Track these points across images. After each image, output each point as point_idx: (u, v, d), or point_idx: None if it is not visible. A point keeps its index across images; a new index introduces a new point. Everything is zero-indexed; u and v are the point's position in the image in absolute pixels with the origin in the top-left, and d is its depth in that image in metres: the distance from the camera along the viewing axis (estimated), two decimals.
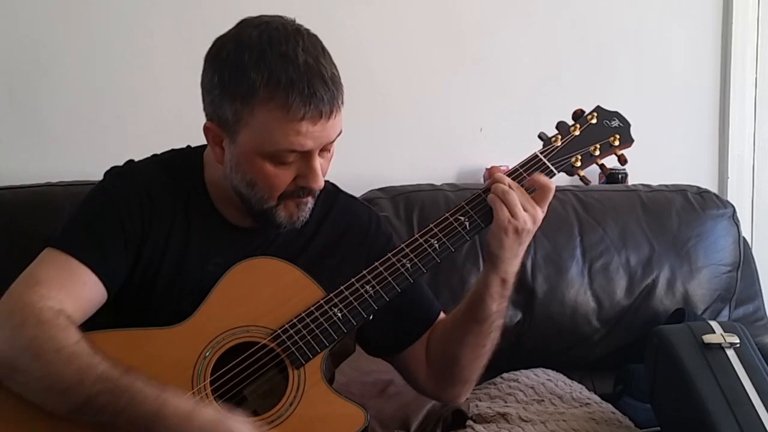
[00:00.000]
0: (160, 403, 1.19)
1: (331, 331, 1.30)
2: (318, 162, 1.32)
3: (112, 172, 1.43)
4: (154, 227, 1.38)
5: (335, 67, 1.31)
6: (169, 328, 1.28)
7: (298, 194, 1.35)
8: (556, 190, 1.38)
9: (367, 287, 1.32)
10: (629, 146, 1.47)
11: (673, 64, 2.54)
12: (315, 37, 1.32)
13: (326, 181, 1.50)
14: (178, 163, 1.44)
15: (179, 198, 1.41)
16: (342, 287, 1.33)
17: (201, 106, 1.37)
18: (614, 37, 2.51)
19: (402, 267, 1.33)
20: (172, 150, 1.49)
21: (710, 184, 2.51)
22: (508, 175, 1.39)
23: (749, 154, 2.60)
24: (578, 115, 1.47)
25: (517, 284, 2.02)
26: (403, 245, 1.36)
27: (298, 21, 1.35)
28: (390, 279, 1.33)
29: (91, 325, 1.31)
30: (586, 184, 1.48)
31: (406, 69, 2.38)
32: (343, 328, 1.31)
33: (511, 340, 2.06)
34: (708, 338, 1.64)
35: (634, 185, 2.31)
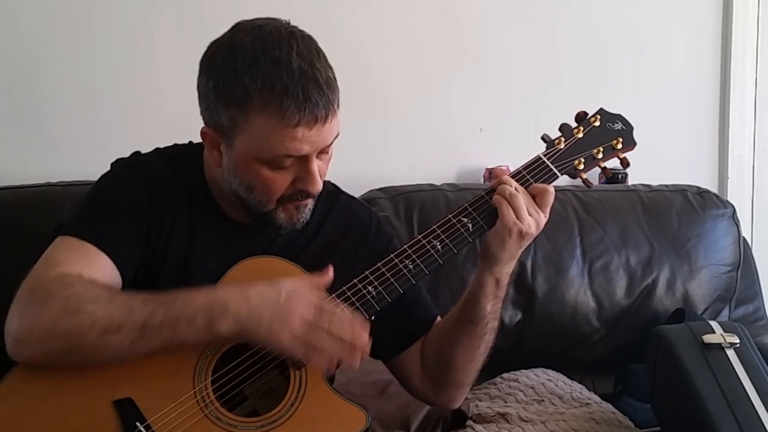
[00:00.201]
0: (211, 291, 1.24)
1: None
2: (315, 165, 1.32)
3: (120, 163, 1.44)
4: (159, 220, 1.38)
5: (331, 69, 1.31)
6: None
7: (297, 197, 1.35)
8: (557, 190, 1.38)
9: (369, 288, 1.32)
10: (632, 149, 1.47)
11: (673, 64, 2.54)
12: (310, 39, 1.31)
13: (327, 182, 1.50)
14: (181, 159, 1.44)
15: (183, 193, 1.41)
16: (344, 287, 1.32)
17: (199, 108, 1.37)
18: (614, 37, 2.51)
19: (404, 268, 1.33)
20: (176, 145, 1.49)
21: (710, 184, 2.51)
22: (512, 178, 1.39)
23: (749, 154, 2.60)
24: (581, 117, 1.46)
25: (517, 284, 2.05)
26: (405, 246, 1.35)
27: (298, 21, 1.35)
28: (392, 280, 1.32)
29: None
30: (589, 186, 1.48)
31: (406, 69, 2.38)
32: None
33: (511, 340, 2.06)
34: (708, 338, 1.64)
35: (634, 185, 2.31)
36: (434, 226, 1.36)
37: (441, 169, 2.38)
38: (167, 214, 1.39)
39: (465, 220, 1.36)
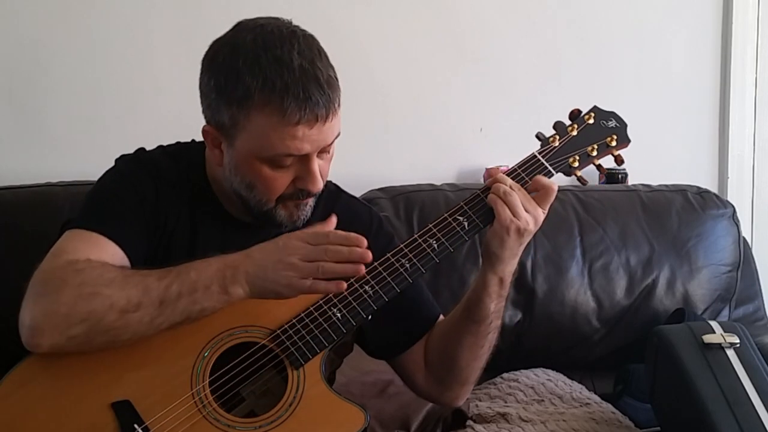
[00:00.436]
0: (220, 258, 1.26)
1: (330, 331, 1.30)
2: (316, 165, 1.32)
3: (124, 158, 1.44)
4: (163, 216, 1.39)
5: (332, 68, 1.31)
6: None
7: (297, 196, 1.35)
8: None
9: (366, 287, 1.32)
10: (626, 146, 1.47)
11: (673, 64, 2.54)
12: (311, 38, 1.32)
13: (328, 181, 1.51)
14: (184, 156, 1.45)
15: (185, 190, 1.42)
16: None
17: (201, 107, 1.37)
18: (614, 37, 2.51)
19: (401, 267, 1.33)
20: (178, 143, 1.50)
21: (710, 184, 2.51)
22: (507, 175, 1.39)
23: (749, 154, 2.60)
24: (575, 115, 1.47)
25: (517, 284, 2.04)
26: (402, 245, 1.35)
27: (298, 21, 1.35)
28: (389, 279, 1.32)
29: None
30: (584, 184, 1.49)
31: (406, 69, 2.38)
32: (343, 329, 1.30)
33: (511, 340, 2.06)
34: (708, 338, 1.64)
35: (634, 185, 2.31)
36: (430, 225, 1.36)
37: (441, 169, 2.38)
38: (170, 210, 1.40)
39: (461, 218, 1.36)
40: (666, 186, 2.28)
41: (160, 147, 1.48)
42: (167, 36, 2.23)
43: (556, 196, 1.38)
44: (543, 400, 1.83)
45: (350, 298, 1.31)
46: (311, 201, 1.39)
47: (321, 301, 1.32)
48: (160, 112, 2.21)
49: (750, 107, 2.58)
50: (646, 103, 2.49)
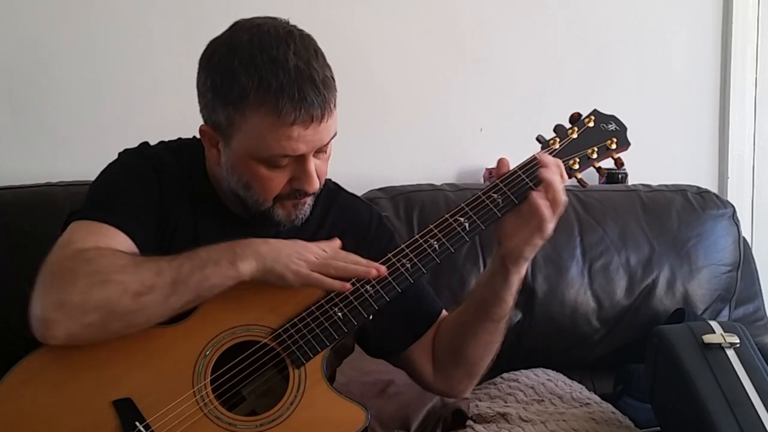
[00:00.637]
0: (228, 242, 1.29)
1: (331, 330, 1.30)
2: (312, 165, 1.32)
3: (128, 151, 1.45)
4: (167, 210, 1.39)
5: (329, 68, 1.31)
6: (170, 326, 1.28)
7: (294, 196, 1.36)
8: None
9: (367, 287, 1.32)
10: (626, 149, 1.47)
11: (673, 64, 2.54)
12: (308, 38, 1.31)
13: (328, 180, 1.51)
14: (185, 153, 1.46)
15: (187, 186, 1.42)
16: None
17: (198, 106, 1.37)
18: (614, 37, 2.51)
19: (402, 267, 1.33)
20: (180, 139, 1.50)
21: (710, 184, 2.51)
22: (506, 178, 1.39)
23: (749, 154, 2.60)
24: (575, 118, 1.47)
25: None
26: (403, 245, 1.36)
27: (298, 21, 1.35)
28: (390, 279, 1.33)
29: None
30: (584, 186, 1.49)
31: (406, 69, 2.38)
32: (344, 328, 1.31)
33: (511, 340, 2.05)
34: (708, 338, 1.64)
35: (634, 185, 2.31)
36: (431, 226, 1.37)
37: (441, 169, 2.38)
38: (173, 205, 1.40)
39: (462, 219, 1.36)
40: (666, 186, 2.28)
41: (162, 142, 1.49)
42: (167, 36, 2.23)
43: None
44: (543, 400, 1.83)
45: (351, 298, 1.31)
46: (310, 200, 1.39)
47: (323, 300, 1.32)
48: (160, 112, 2.21)
49: (750, 107, 2.58)
50: (646, 103, 2.49)
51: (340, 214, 1.52)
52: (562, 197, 1.33)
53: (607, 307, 2.11)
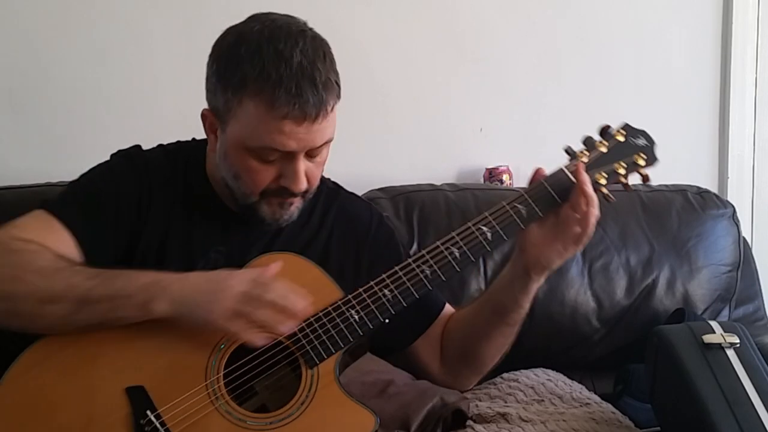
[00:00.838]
0: (155, 273, 1.25)
1: (347, 332, 1.30)
2: (301, 165, 1.32)
3: (119, 153, 1.46)
4: (154, 213, 1.39)
5: (335, 74, 1.31)
6: None
7: (281, 194, 1.35)
8: None
9: (386, 291, 1.32)
10: (653, 165, 1.45)
11: (673, 64, 2.54)
12: (321, 41, 1.32)
13: (328, 179, 1.51)
14: (183, 154, 1.46)
15: (180, 187, 1.43)
16: (360, 289, 1.33)
17: (201, 106, 1.38)
18: (614, 37, 2.50)
19: (421, 273, 1.33)
20: (179, 141, 1.51)
21: (710, 184, 2.51)
22: (532, 189, 1.38)
23: (749, 154, 2.60)
24: (605, 130, 1.44)
25: None
26: (423, 251, 1.36)
27: None
28: (409, 284, 1.33)
29: None
30: (609, 202, 1.44)
31: (406, 69, 2.38)
32: (359, 331, 1.31)
33: (513, 340, 2.05)
34: (708, 338, 1.64)
35: (634, 185, 2.30)
36: (453, 233, 1.36)
37: (441, 169, 2.38)
38: (163, 206, 1.40)
39: (484, 228, 1.36)
40: (666, 186, 2.28)
41: (160, 146, 1.49)
42: (167, 36, 2.23)
43: None
44: (543, 400, 1.83)
45: (369, 301, 1.31)
46: (297, 202, 1.39)
47: (339, 302, 1.32)
48: (160, 112, 2.21)
49: (750, 107, 2.58)
50: (646, 103, 2.49)
51: (341, 213, 1.52)
52: (597, 211, 1.34)
53: (607, 307, 2.11)
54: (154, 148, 1.48)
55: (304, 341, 1.29)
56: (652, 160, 1.45)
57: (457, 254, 1.34)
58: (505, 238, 1.36)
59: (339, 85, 1.32)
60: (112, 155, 1.46)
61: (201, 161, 1.45)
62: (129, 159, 1.44)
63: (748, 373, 1.58)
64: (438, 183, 2.21)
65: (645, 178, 1.45)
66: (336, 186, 1.57)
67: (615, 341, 2.12)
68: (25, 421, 1.21)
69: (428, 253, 1.35)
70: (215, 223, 1.43)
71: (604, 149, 1.42)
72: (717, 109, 2.58)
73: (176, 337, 1.27)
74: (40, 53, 2.18)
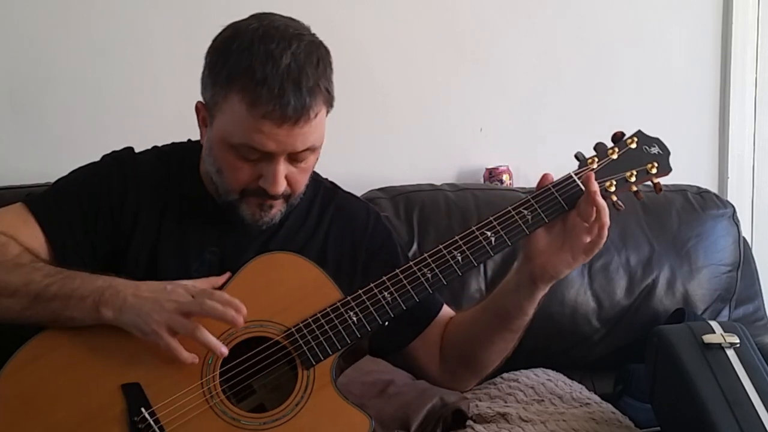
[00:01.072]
0: (111, 278, 1.26)
1: (344, 334, 1.30)
2: (281, 167, 1.32)
3: (110, 155, 1.47)
4: (144, 216, 1.40)
5: (327, 82, 1.30)
6: None
7: (260, 194, 1.35)
8: None
9: (385, 293, 1.32)
10: (666, 175, 1.43)
11: (673, 64, 2.54)
12: (317, 48, 1.31)
13: (325, 179, 1.51)
14: (177, 156, 1.47)
15: (173, 189, 1.43)
16: (360, 291, 1.33)
17: None
18: (614, 37, 2.50)
19: (422, 276, 1.33)
20: (174, 143, 1.51)
21: (710, 184, 2.51)
22: (539, 195, 1.37)
23: (749, 154, 2.60)
24: (618, 137, 1.43)
25: None
26: (426, 255, 1.35)
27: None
28: (409, 287, 1.32)
29: None
30: (619, 210, 1.40)
31: (406, 69, 2.38)
32: (357, 333, 1.30)
33: (515, 345, 2.05)
34: (708, 338, 1.64)
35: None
36: (456, 237, 1.35)
37: (441, 169, 2.38)
38: (153, 208, 1.41)
39: (488, 233, 1.35)
40: (666, 186, 2.26)
41: (155, 147, 1.49)
42: (167, 36, 2.23)
43: None
44: (543, 400, 1.83)
45: (368, 303, 1.31)
46: (279, 206, 1.38)
47: (338, 303, 1.32)
48: (160, 112, 2.21)
49: (750, 107, 2.58)
50: (646, 103, 2.49)
51: (338, 213, 1.52)
52: (608, 221, 1.32)
53: (607, 307, 2.11)
54: (146, 151, 1.48)
55: (301, 341, 1.29)
56: (665, 169, 1.43)
57: (460, 258, 1.33)
58: (509, 243, 1.34)
59: (330, 93, 1.31)
60: (103, 156, 1.47)
61: (195, 162, 1.45)
62: (118, 162, 1.44)
63: (748, 373, 1.58)
64: (438, 183, 2.21)
65: (657, 188, 1.43)
66: (333, 186, 1.56)
67: (615, 341, 2.12)
68: (21, 417, 1.22)
69: (430, 256, 1.34)
70: (209, 224, 1.42)
71: (615, 156, 1.40)
72: (717, 109, 2.58)
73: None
74: (40, 53, 2.18)
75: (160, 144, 1.53)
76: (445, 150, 2.42)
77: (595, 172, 1.38)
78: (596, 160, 1.40)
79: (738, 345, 1.63)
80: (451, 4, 2.41)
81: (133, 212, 1.40)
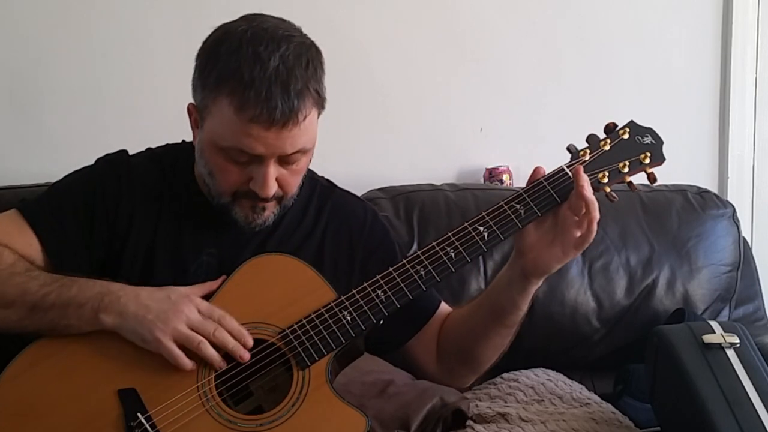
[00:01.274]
0: (108, 284, 1.26)
1: (339, 334, 1.30)
2: (270, 170, 1.31)
3: (104, 158, 1.47)
4: (138, 219, 1.40)
5: (316, 83, 1.29)
6: None
7: (251, 197, 1.35)
8: None
9: (379, 292, 1.32)
10: (660, 164, 1.42)
11: (673, 64, 2.54)
12: (308, 49, 1.30)
13: (322, 178, 1.51)
14: (171, 157, 1.47)
15: (168, 190, 1.43)
16: (353, 290, 1.32)
17: None
18: (614, 37, 2.50)
19: (416, 274, 1.33)
20: (167, 144, 1.50)
21: (710, 184, 2.51)
22: (531, 189, 1.36)
23: (749, 154, 2.60)
24: (610, 129, 1.42)
25: None
26: (419, 252, 1.35)
27: (298, 21, 1.35)
28: (402, 285, 1.32)
29: None
30: (611, 201, 1.41)
31: (406, 69, 2.38)
32: (352, 332, 1.30)
33: (511, 339, 2.05)
34: (708, 338, 1.64)
35: (636, 185, 2.30)
36: (449, 233, 1.35)
37: (441, 169, 2.38)
38: (148, 211, 1.41)
39: (481, 228, 1.34)
40: (666, 186, 2.28)
41: (149, 149, 1.49)
42: (167, 36, 2.23)
43: None
44: (543, 400, 1.83)
45: (362, 302, 1.31)
46: (272, 208, 1.38)
47: (332, 303, 1.32)
48: (160, 112, 2.20)
49: (750, 107, 2.58)
50: (646, 103, 2.49)
51: (335, 211, 1.51)
52: (597, 215, 1.32)
53: (607, 307, 2.11)
54: (140, 153, 1.48)
55: (295, 342, 1.29)
56: (658, 158, 1.42)
57: (453, 254, 1.33)
58: (501, 238, 1.34)
59: (320, 95, 1.30)
60: (97, 160, 1.46)
61: (190, 163, 1.44)
62: (112, 165, 1.44)
63: (748, 373, 1.58)
64: (438, 183, 2.21)
65: (651, 178, 1.42)
66: (330, 184, 1.56)
67: (615, 341, 2.12)
68: (19, 424, 1.22)
69: (423, 253, 1.34)
70: (205, 226, 1.42)
71: (607, 147, 1.40)
72: (717, 109, 2.58)
73: None
74: (40, 53, 2.18)
75: (160, 144, 1.52)
76: (445, 150, 2.42)
77: (588, 164, 1.38)
78: (588, 152, 1.40)
79: (738, 345, 1.63)
80: (451, 4, 2.41)
81: (128, 215, 1.40)
